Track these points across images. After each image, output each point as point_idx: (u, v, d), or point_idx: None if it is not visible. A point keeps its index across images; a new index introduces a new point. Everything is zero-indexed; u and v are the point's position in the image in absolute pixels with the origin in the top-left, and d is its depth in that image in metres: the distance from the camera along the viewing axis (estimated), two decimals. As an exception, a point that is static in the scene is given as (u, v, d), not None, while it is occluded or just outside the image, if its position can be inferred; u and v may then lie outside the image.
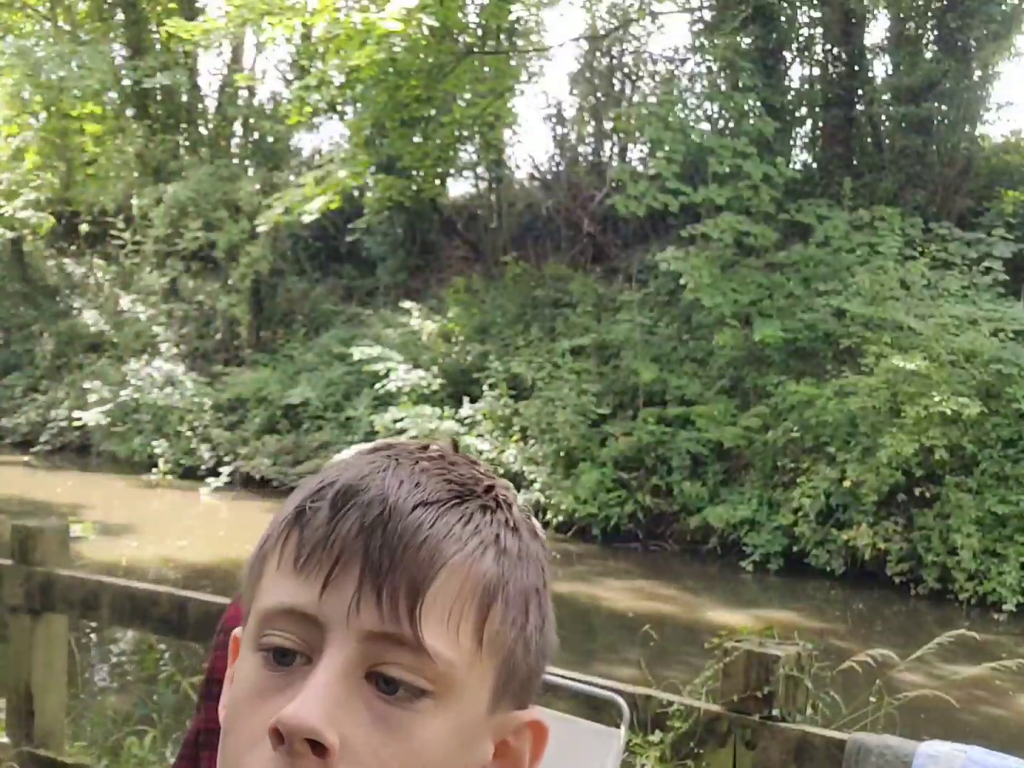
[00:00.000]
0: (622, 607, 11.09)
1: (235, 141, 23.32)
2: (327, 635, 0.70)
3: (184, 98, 22.56)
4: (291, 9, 15.41)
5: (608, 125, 20.35)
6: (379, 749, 0.69)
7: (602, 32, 20.21)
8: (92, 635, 9.00)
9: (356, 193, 19.27)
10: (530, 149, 42.40)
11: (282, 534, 0.74)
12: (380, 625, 0.70)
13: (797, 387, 13.26)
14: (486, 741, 0.75)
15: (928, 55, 16.26)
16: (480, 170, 21.15)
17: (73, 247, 23.59)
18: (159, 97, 22.18)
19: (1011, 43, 15.88)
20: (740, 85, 15.98)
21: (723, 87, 17.00)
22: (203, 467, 17.26)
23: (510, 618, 0.75)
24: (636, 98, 19.99)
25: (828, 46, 17.29)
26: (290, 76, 21.89)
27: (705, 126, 17.25)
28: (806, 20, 17.65)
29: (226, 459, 17.16)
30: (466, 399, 15.79)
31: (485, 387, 15.89)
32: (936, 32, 16.29)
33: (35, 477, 17.11)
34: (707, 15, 17.86)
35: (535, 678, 0.78)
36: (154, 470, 17.47)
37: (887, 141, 16.54)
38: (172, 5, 21.33)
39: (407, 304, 18.53)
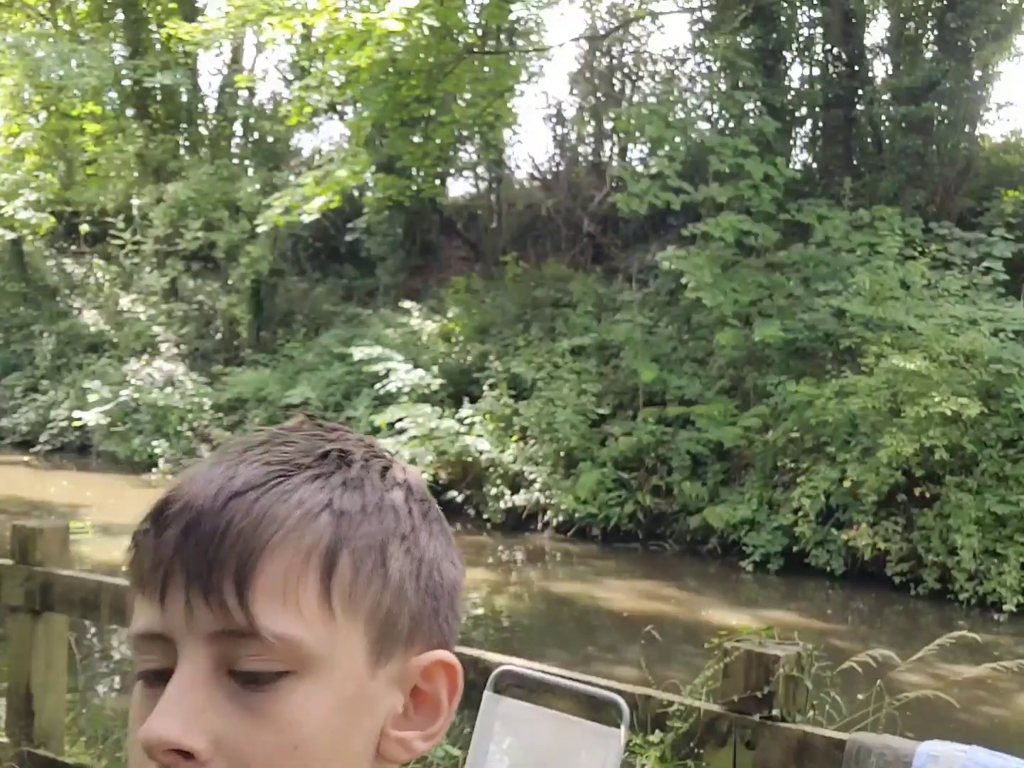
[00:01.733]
0: (622, 607, 11.09)
1: (235, 141, 23.35)
2: (178, 648, 0.73)
3: (184, 98, 22.58)
4: (291, 9, 15.41)
5: (608, 125, 20.36)
6: (249, 734, 0.71)
7: (602, 32, 20.21)
8: (92, 635, 9.00)
9: (356, 193, 19.28)
10: (530, 149, 42.45)
11: (127, 563, 0.77)
12: (216, 624, 0.72)
13: (797, 387, 13.26)
14: (388, 695, 0.77)
15: (928, 55, 16.26)
16: (480, 170, 21.17)
17: (73, 247, 23.61)
18: (159, 97, 22.20)
19: (1011, 43, 15.89)
20: (740, 85, 15.99)
21: (723, 87, 17.01)
22: (203, 467, 17.24)
23: (364, 573, 0.75)
24: (636, 98, 20.00)
25: (828, 46, 17.30)
26: (290, 76, 21.91)
27: (705, 126, 17.26)
28: (806, 20, 17.66)
29: (226, 459, 17.14)
30: (466, 399, 15.78)
31: (485, 387, 15.89)
32: (936, 32, 16.30)
33: (35, 477, 17.11)
34: (707, 15, 17.86)
35: (430, 619, 0.79)
36: (154, 470, 17.47)
37: (887, 141, 16.53)
38: (172, 5, 21.34)
39: (407, 304, 18.54)
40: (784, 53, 17.17)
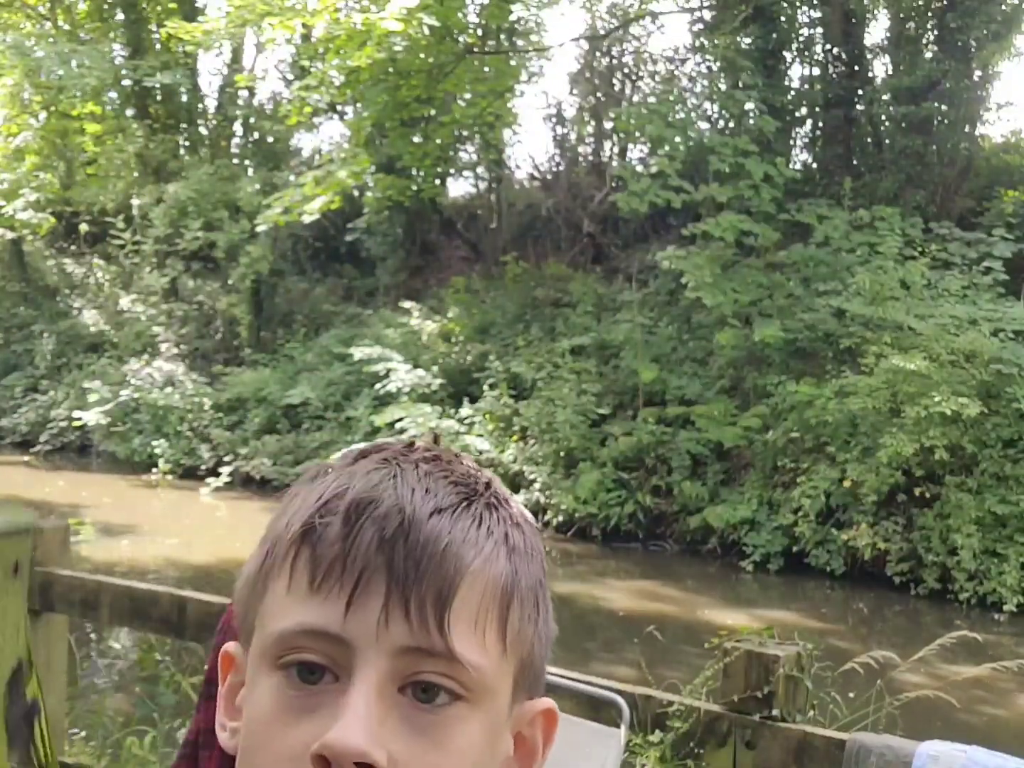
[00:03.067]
0: (622, 607, 11.09)
1: (235, 141, 23.36)
2: (356, 654, 0.69)
3: (184, 98, 22.58)
4: (291, 10, 15.41)
5: (608, 125, 20.35)
6: (422, 756, 0.69)
7: (602, 32, 20.21)
8: (92, 635, 9.00)
9: (356, 193, 19.27)
10: (530, 149, 42.47)
11: (289, 552, 0.72)
12: (411, 639, 0.69)
13: (797, 387, 13.26)
14: (507, 736, 0.77)
15: (928, 55, 16.26)
16: (480, 170, 21.18)
17: (73, 247, 23.61)
18: (159, 97, 22.20)
19: (1011, 43, 15.89)
20: (740, 85, 15.99)
21: (723, 87, 17.00)
22: (203, 467, 17.25)
23: (526, 614, 0.75)
24: (636, 98, 20.00)
25: (828, 46, 17.29)
26: (290, 76, 21.92)
27: (705, 125, 17.26)
28: (806, 20, 17.66)
29: (226, 459, 17.15)
30: (466, 399, 15.78)
31: (485, 387, 15.89)
32: (936, 32, 16.29)
33: (35, 477, 17.11)
34: (707, 15, 17.86)
35: (543, 667, 0.79)
36: (154, 470, 17.47)
37: (887, 141, 16.53)
38: (172, 5, 21.34)
39: (407, 304, 18.54)
40: (784, 53, 17.16)
